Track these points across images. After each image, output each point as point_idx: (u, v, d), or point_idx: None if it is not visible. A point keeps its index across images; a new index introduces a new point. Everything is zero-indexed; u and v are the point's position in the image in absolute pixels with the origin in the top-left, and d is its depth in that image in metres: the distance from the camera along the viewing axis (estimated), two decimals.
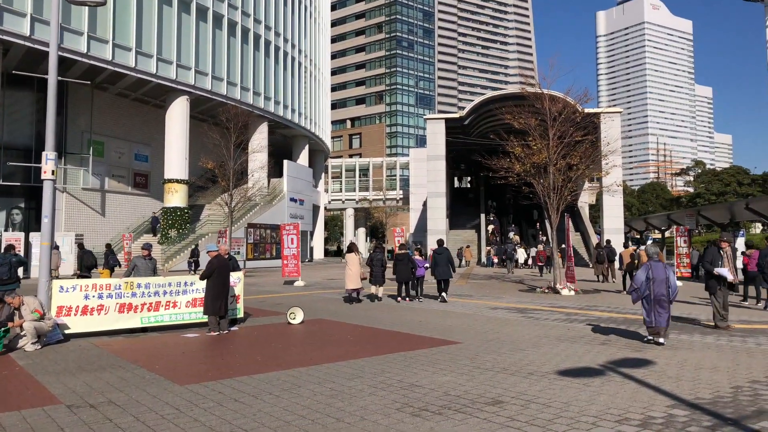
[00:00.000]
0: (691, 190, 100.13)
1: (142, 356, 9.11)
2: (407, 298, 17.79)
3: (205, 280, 11.50)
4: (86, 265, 20.03)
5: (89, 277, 19.17)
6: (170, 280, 12.21)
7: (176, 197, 37.50)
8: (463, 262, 38.49)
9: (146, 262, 12.75)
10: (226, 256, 12.36)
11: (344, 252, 24.27)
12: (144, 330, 11.65)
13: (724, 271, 12.58)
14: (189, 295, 12.26)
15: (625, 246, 23.90)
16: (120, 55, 33.33)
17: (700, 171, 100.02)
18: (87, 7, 29.48)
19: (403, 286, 17.84)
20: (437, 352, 9.26)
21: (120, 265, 24.92)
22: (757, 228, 70.41)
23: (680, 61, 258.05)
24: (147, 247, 13.20)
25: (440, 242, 18.75)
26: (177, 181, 37.53)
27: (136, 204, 40.50)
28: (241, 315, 12.89)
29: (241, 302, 12.93)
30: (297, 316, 12.72)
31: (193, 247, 33.60)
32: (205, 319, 11.64)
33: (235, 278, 12.70)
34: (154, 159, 41.22)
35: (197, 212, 41.48)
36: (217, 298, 11.28)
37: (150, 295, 11.77)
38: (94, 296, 11.16)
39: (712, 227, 43.48)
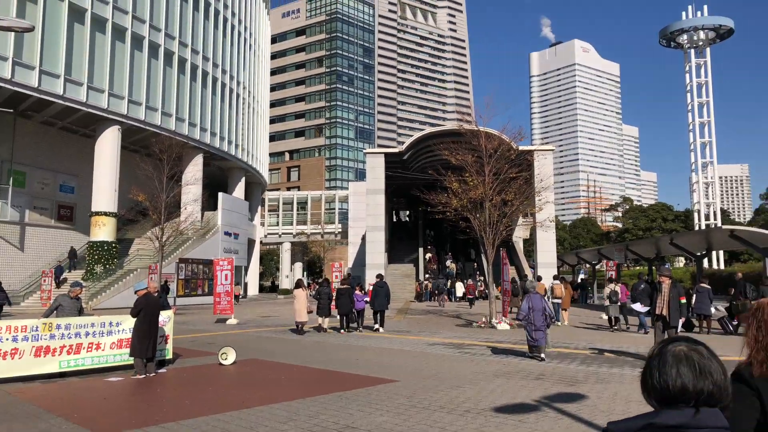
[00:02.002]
0: (619, 225, 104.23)
1: (60, 404, 8.50)
2: (347, 330, 19.06)
3: (133, 320, 10.95)
4: None
5: None
6: (94, 320, 11.56)
7: (104, 231, 35.94)
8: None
9: (72, 302, 11.97)
10: (156, 294, 11.83)
11: (293, 288, 25.98)
12: (63, 375, 10.91)
13: (637, 306, 13.10)
14: (114, 336, 11.62)
15: (555, 278, 24.61)
16: (47, 82, 32.10)
17: (627, 207, 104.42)
18: (13, 32, 28.39)
19: (344, 318, 19.22)
20: (374, 392, 9.06)
21: (9, 303, 23.59)
22: (681, 262, 73.81)
23: (608, 101, 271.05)
24: (76, 285, 12.43)
25: (380, 276, 20.46)
26: (105, 213, 36.02)
27: (60, 238, 38.62)
28: (170, 356, 12.30)
29: (171, 342, 12.36)
30: (229, 357, 12.25)
31: (163, 282, 32.39)
32: (132, 361, 11.03)
33: (165, 317, 12.15)
34: (81, 190, 39.46)
35: (126, 247, 39.86)
36: (145, 339, 10.73)
37: (70, 337, 11.07)
38: (7, 339, 10.39)
39: (640, 261, 45.17)
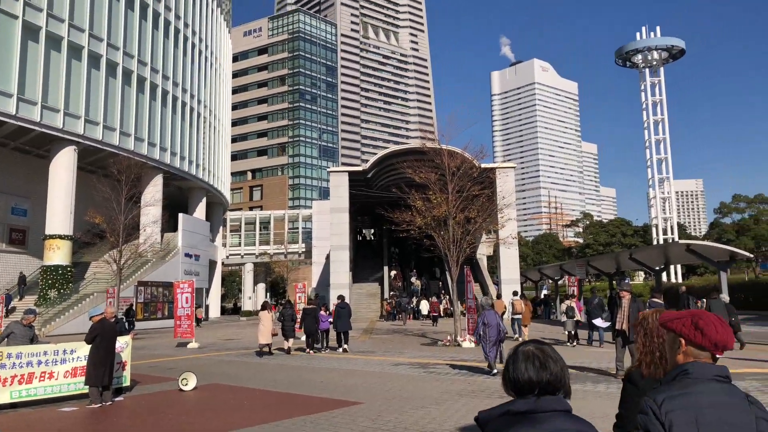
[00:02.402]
0: (581, 240, 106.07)
1: None
2: (313, 350, 19.29)
3: (88, 347, 10.55)
4: None
5: None
6: (47, 348, 11.11)
7: (58, 254, 34.75)
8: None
9: (25, 330, 11.48)
10: (113, 320, 11.44)
11: (258, 310, 26.33)
12: (14, 406, 10.43)
13: (598, 321, 13.34)
14: (68, 364, 11.19)
15: (514, 294, 25.08)
16: None
17: (588, 223, 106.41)
18: None
19: (310, 339, 19.53)
20: (338, 415, 8.89)
21: None
22: (641, 276, 75.32)
23: (568, 119, 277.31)
24: (30, 312, 11.93)
25: (341, 297, 20.53)
26: (59, 237, 34.86)
27: (11, 262, 37.27)
28: (127, 383, 11.90)
29: (128, 369, 11.96)
30: (189, 382, 11.90)
31: (127, 306, 31.72)
32: (87, 390, 10.61)
33: (122, 343, 11.76)
34: (35, 213, 38.18)
35: (82, 270, 38.66)
36: (100, 366, 10.34)
37: (22, 366, 10.61)
38: None
39: (601, 276, 45.91)
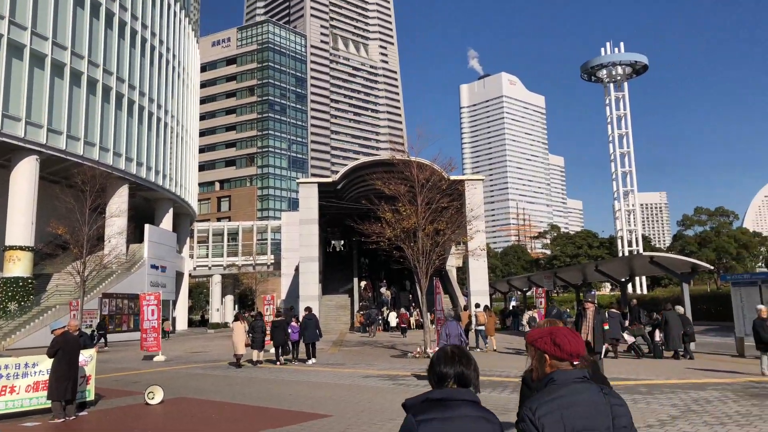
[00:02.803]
0: (548, 252, 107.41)
1: None
2: (281, 362, 19.35)
3: (51, 361, 10.31)
4: None
5: None
6: (8, 362, 10.83)
7: (18, 266, 33.83)
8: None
9: None
10: (77, 333, 11.20)
11: (227, 322, 26.54)
12: None
13: None
14: (30, 378, 10.93)
15: (477, 306, 25.74)
16: None
17: (555, 234, 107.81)
18: None
19: (279, 350, 19.64)
20: (307, 428, 8.84)
21: None
22: (607, 287, 76.51)
23: (535, 132, 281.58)
24: None
25: (308, 309, 20.77)
26: (20, 248, 33.95)
27: None
28: (91, 397, 11.64)
29: (93, 383, 11.70)
30: (156, 396, 11.69)
31: (99, 320, 31.23)
32: (49, 404, 10.35)
33: (86, 356, 11.51)
34: None
35: (43, 282, 37.70)
36: (63, 380, 10.12)
37: None
38: None
39: (568, 287, 46.55)
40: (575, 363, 2.70)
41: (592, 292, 30.87)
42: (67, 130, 37.02)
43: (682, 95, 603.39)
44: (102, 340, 31.57)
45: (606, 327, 13.36)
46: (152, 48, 47.78)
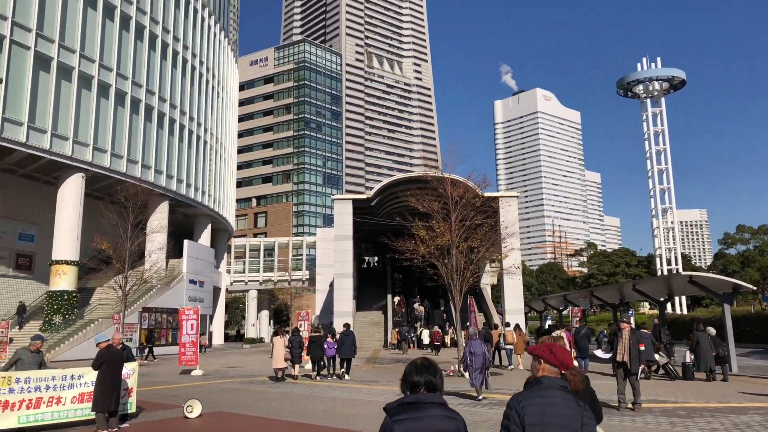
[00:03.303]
0: (585, 270, 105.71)
1: None
2: (318, 377, 19.94)
3: (95, 373, 10.68)
4: None
5: None
6: (55, 374, 11.25)
7: (64, 280, 34.95)
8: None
9: (33, 356, 11.65)
10: (120, 346, 11.59)
11: (261, 337, 27.22)
12: (21, 431, 10.54)
13: (599, 353, 13.45)
14: (76, 390, 11.32)
15: (506, 325, 25.82)
16: (10, 130, 31.66)
17: (592, 252, 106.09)
18: None
19: (316, 365, 20.19)
20: None
21: None
22: (645, 307, 74.84)
23: (571, 148, 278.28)
24: (37, 338, 12.09)
25: (347, 325, 21.12)
26: (66, 262, 35.09)
27: (18, 287, 37.44)
28: (133, 410, 11.99)
29: (134, 395, 12.06)
30: (194, 410, 11.99)
31: (147, 332, 32.52)
32: (93, 415, 10.71)
33: (129, 370, 11.88)
34: (42, 239, 38.49)
35: (87, 296, 38.83)
36: (107, 393, 10.46)
37: (30, 391, 10.75)
38: None
39: (605, 306, 45.76)
40: (563, 372, 3.47)
41: (629, 312, 30.34)
42: (111, 148, 38.23)
43: (722, 110, 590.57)
44: (149, 353, 32.58)
45: (642, 348, 13.20)
46: (193, 68, 49.10)
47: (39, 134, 33.36)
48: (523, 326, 37.69)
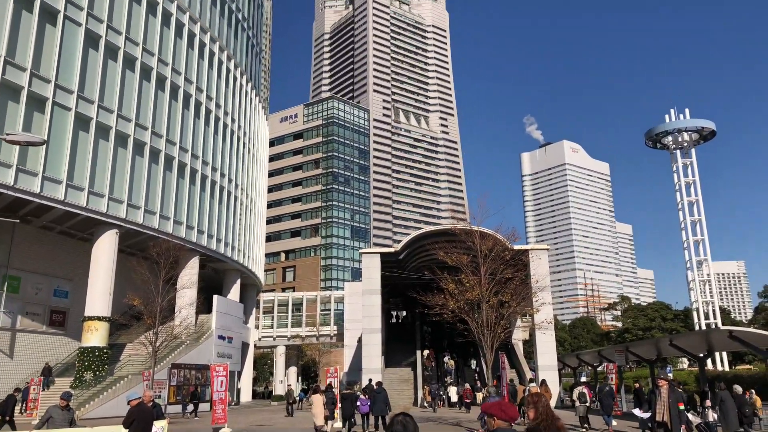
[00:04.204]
0: (619, 324, 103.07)
1: None
2: None
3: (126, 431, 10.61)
4: None
5: None
6: (86, 431, 11.19)
7: (95, 336, 35.18)
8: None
9: (63, 413, 11.69)
10: (150, 404, 11.53)
11: (309, 393, 27.78)
12: None
13: (637, 412, 12.89)
14: None
15: (530, 381, 25.84)
16: (49, 188, 32.62)
17: (626, 306, 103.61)
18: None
19: (347, 422, 20.76)
20: None
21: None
22: (684, 363, 72.23)
23: (600, 199, 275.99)
24: (66, 396, 12.14)
25: (379, 383, 21.93)
26: (98, 318, 35.38)
27: (51, 344, 37.77)
28: None
29: None
30: None
31: (192, 388, 33.14)
32: None
33: (158, 428, 11.78)
34: (75, 294, 39.06)
35: (117, 352, 38.99)
36: None
37: None
38: None
39: (641, 362, 44.34)
40: (513, 425, 4.55)
41: (667, 369, 29.32)
42: (144, 204, 39.05)
43: (754, 159, 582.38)
44: (195, 409, 32.82)
45: (681, 407, 12.63)
46: (225, 125, 50.41)
47: (76, 192, 34.30)
48: (556, 383, 36.59)
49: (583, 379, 45.90)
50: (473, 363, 43.38)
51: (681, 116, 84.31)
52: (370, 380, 32.54)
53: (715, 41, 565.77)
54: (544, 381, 27.21)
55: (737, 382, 29.28)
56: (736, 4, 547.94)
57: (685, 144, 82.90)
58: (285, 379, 65.47)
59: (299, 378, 72.33)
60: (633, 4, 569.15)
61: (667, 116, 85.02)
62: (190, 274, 42.49)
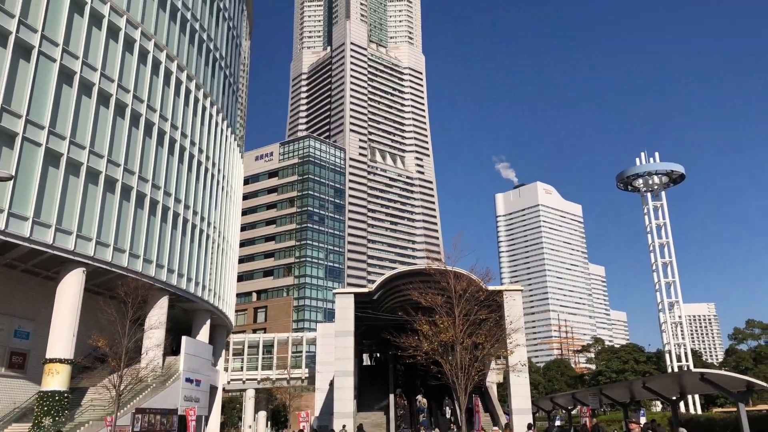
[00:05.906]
0: (593, 366, 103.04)
1: None
2: None
3: None
4: None
5: None
6: None
7: (56, 380, 33.65)
8: None
9: None
10: None
11: None
12: None
13: None
14: None
15: (504, 425, 24.93)
16: (15, 225, 31.68)
17: (600, 348, 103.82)
18: None
19: None
20: None
21: None
22: (657, 406, 72.18)
23: (573, 240, 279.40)
24: None
25: (359, 426, 21.05)
26: (60, 361, 33.84)
27: (9, 387, 36.10)
28: None
29: None
30: None
31: None
32: None
33: None
34: (37, 336, 37.49)
35: (79, 396, 37.39)
36: None
37: None
38: None
39: (615, 406, 44.14)
40: None
41: (640, 412, 29.13)
42: (114, 242, 38.10)
43: (724, 202, 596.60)
44: None
45: None
46: (199, 163, 49.99)
47: (43, 229, 33.38)
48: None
49: (558, 423, 45.48)
50: (448, 411, 42.62)
51: (651, 159, 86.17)
52: (344, 426, 31.78)
53: (687, 85, 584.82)
54: (507, 424, 26.88)
55: (710, 427, 29.20)
56: (705, 53, 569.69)
57: (656, 187, 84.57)
58: (254, 424, 63.73)
59: (269, 423, 70.45)
60: (607, 44, 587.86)
61: (637, 159, 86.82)
62: (158, 314, 41.41)
